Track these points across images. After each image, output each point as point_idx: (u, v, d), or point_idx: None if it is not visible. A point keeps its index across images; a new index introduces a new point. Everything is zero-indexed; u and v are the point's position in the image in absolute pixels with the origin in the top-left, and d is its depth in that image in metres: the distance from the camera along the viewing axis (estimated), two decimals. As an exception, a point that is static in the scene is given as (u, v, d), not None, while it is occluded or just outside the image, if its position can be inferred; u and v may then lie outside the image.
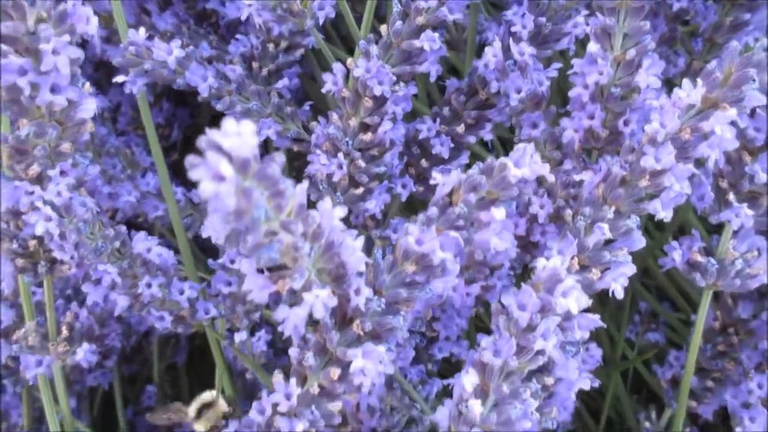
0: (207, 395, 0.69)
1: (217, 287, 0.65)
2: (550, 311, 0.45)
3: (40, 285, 0.72)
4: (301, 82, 0.78)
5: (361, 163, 0.63)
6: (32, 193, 0.51)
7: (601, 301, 0.96)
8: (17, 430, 0.83)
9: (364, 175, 0.63)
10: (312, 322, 0.52)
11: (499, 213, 0.47)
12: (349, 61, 0.61)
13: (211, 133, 0.34)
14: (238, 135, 0.34)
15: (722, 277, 0.58)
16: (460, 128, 0.65)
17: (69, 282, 0.73)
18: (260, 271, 0.44)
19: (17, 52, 0.43)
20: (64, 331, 0.62)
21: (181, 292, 0.63)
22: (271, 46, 0.72)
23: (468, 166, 0.68)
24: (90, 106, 0.47)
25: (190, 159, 0.35)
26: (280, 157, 0.37)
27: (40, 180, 0.50)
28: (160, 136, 0.91)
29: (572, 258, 0.51)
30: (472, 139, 0.65)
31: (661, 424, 0.83)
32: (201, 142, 0.34)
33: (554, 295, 0.45)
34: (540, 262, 0.46)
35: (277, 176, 0.37)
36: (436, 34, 0.58)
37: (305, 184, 0.41)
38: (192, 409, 0.70)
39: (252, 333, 0.70)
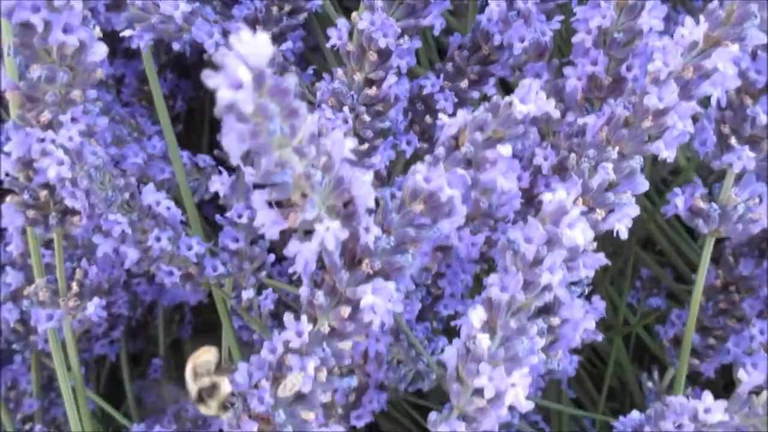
0: (203, 355, 0.64)
1: (225, 243, 0.65)
2: (557, 244, 0.46)
3: (48, 247, 0.73)
4: (303, 47, 0.79)
5: (366, 118, 0.63)
6: (43, 139, 0.51)
7: (604, 267, 0.97)
8: (26, 397, 0.84)
9: (369, 131, 0.64)
10: (321, 267, 0.52)
11: (505, 150, 0.48)
12: (354, 14, 0.62)
13: (231, 39, 0.35)
14: (254, 43, 0.34)
15: (724, 222, 0.59)
16: (464, 83, 0.66)
17: (77, 250, 0.74)
18: (271, 205, 0.44)
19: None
20: (75, 287, 0.62)
21: (189, 248, 0.63)
22: (275, 10, 0.73)
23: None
24: (101, 50, 0.48)
25: (207, 72, 0.35)
26: (292, 78, 0.38)
27: (52, 127, 0.51)
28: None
29: (577, 199, 0.51)
30: (475, 95, 0.66)
31: (663, 385, 0.84)
32: (217, 54, 0.35)
33: (560, 227, 0.46)
34: (546, 197, 0.47)
35: (292, 92, 0.38)
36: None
37: (317, 114, 0.41)
38: (193, 391, 0.66)
39: (259, 293, 0.71)
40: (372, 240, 0.48)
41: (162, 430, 0.81)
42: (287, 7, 0.74)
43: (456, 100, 0.66)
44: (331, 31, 0.63)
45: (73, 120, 0.50)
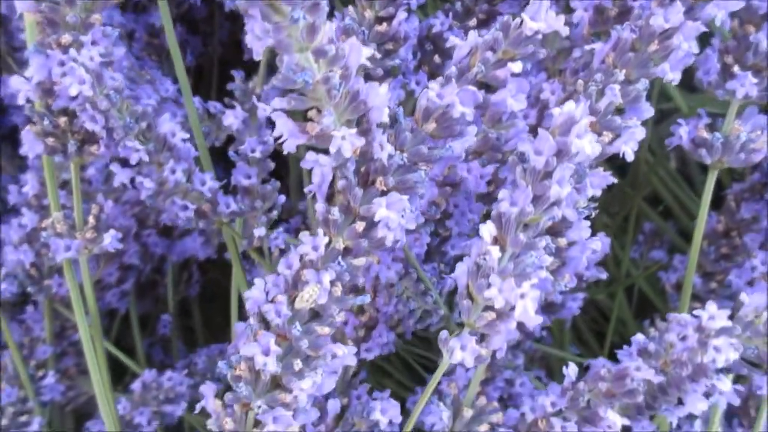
0: None
1: (237, 179, 0.67)
2: (566, 155, 0.48)
3: (63, 188, 0.74)
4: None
5: (377, 55, 0.65)
6: (63, 62, 0.53)
7: (608, 219, 0.98)
8: (39, 344, 0.85)
9: (379, 69, 0.65)
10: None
11: (516, 66, 0.49)
12: (365, -50, 0.63)
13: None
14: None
15: (727, 152, 0.60)
16: (472, 23, 0.67)
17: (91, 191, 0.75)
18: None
19: None
20: (91, 221, 0.63)
21: (203, 183, 0.65)
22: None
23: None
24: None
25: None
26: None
27: (75, 48, 0.52)
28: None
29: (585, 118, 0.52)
30: (483, 33, 0.67)
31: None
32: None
33: (569, 137, 0.47)
34: (555, 110, 0.48)
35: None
36: None
37: (335, 23, 0.42)
38: None
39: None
40: (386, 157, 0.49)
41: (174, 374, 0.83)
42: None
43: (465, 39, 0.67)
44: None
45: (93, 43, 0.52)
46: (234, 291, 0.78)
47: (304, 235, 0.51)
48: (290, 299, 0.51)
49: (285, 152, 0.48)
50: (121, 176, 0.59)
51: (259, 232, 0.70)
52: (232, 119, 0.63)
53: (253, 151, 0.64)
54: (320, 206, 0.51)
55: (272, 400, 0.51)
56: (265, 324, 0.52)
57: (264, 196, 0.69)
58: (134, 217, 0.85)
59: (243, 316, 0.94)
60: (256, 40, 0.39)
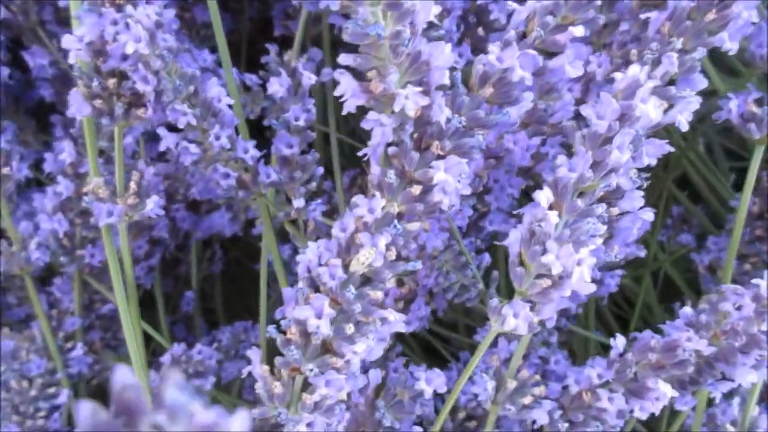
0: None
1: (279, 148, 0.66)
2: (629, 120, 0.47)
3: (100, 155, 0.74)
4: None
5: (431, 32, 0.64)
6: (116, 22, 0.52)
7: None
8: (68, 316, 0.85)
9: (423, 39, 0.65)
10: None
11: (578, 30, 0.49)
12: None
13: None
14: None
15: (777, 126, 0.60)
16: (514, -7, 0.66)
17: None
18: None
19: None
20: (133, 186, 0.63)
21: (246, 151, 0.64)
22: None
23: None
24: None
25: None
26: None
27: (131, 5, 0.51)
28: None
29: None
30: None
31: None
32: None
33: (634, 101, 0.47)
34: (617, 75, 0.48)
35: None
36: None
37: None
38: None
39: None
40: (444, 120, 0.49)
41: (204, 347, 0.82)
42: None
43: (509, 11, 0.67)
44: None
45: (148, 1, 0.51)
46: (263, 261, 0.78)
47: (359, 198, 0.50)
48: (344, 263, 0.50)
49: (343, 112, 0.48)
50: (168, 140, 0.59)
51: (298, 203, 0.69)
52: (277, 86, 0.63)
53: (297, 119, 0.64)
54: (375, 169, 0.50)
55: (323, 364, 0.51)
56: (316, 288, 0.52)
57: (303, 166, 0.68)
58: (163, 191, 0.85)
59: (273, 290, 0.94)
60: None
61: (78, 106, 0.56)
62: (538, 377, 0.61)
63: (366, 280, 0.52)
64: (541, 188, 0.52)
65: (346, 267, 0.50)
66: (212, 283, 1.10)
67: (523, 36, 0.51)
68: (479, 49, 0.69)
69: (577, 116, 0.67)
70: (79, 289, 0.83)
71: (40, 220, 0.76)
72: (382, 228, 0.50)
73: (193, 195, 0.88)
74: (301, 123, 0.65)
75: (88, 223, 0.77)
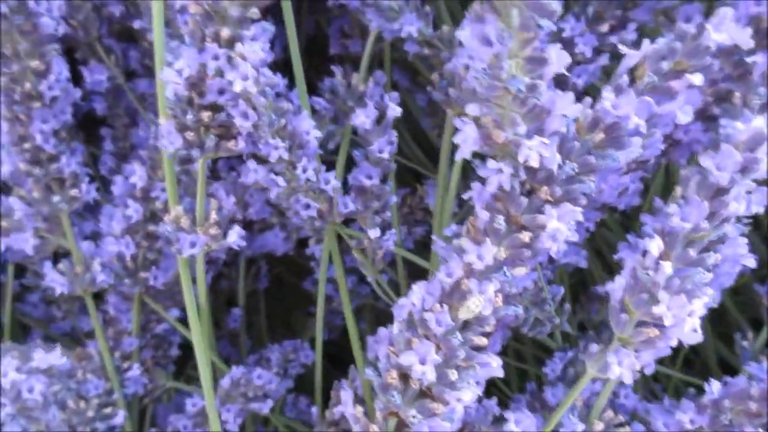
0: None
1: (359, 179, 0.66)
2: (750, 171, 0.46)
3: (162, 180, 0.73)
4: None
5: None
6: (218, 57, 0.51)
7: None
8: (125, 336, 0.84)
9: (508, 71, 0.64)
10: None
11: (696, 78, 0.48)
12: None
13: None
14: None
15: None
16: (604, 28, 0.66)
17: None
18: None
19: None
20: (213, 216, 0.62)
21: (327, 182, 0.64)
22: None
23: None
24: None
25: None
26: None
27: (232, 43, 0.50)
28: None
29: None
30: (614, 39, 0.66)
31: (759, 344, 0.84)
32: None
33: (757, 153, 0.46)
34: (737, 125, 0.47)
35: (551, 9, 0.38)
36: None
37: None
38: None
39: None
40: (556, 166, 0.48)
41: (264, 372, 0.82)
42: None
43: (596, 44, 0.66)
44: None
45: (253, 38, 0.50)
46: (321, 284, 0.77)
47: (467, 243, 0.50)
48: (451, 309, 0.50)
49: (457, 158, 0.47)
50: (258, 174, 0.58)
51: (374, 233, 0.68)
52: (363, 118, 0.62)
53: (381, 152, 0.63)
54: (483, 214, 0.50)
55: (425, 410, 0.50)
56: (418, 331, 0.51)
57: (379, 196, 0.68)
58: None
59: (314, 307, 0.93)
60: (478, 42, 0.38)
61: (170, 138, 0.56)
62: (622, 418, 0.60)
63: (467, 324, 0.51)
64: (614, 220, 0.52)
65: (451, 311, 0.50)
66: (255, 299, 1.09)
67: (633, 79, 0.50)
68: (563, 81, 0.69)
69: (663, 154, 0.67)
70: (138, 309, 0.82)
71: (106, 242, 0.75)
72: (491, 274, 0.49)
73: (249, 216, 0.87)
74: (385, 155, 0.64)
75: (153, 246, 0.76)
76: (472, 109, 0.44)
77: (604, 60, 0.67)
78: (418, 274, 0.85)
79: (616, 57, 0.75)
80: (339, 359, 0.98)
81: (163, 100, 0.59)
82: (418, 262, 0.80)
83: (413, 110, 0.97)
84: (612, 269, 0.93)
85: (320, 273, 0.79)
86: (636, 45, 0.50)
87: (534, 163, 0.44)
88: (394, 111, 0.62)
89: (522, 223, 0.49)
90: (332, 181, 0.64)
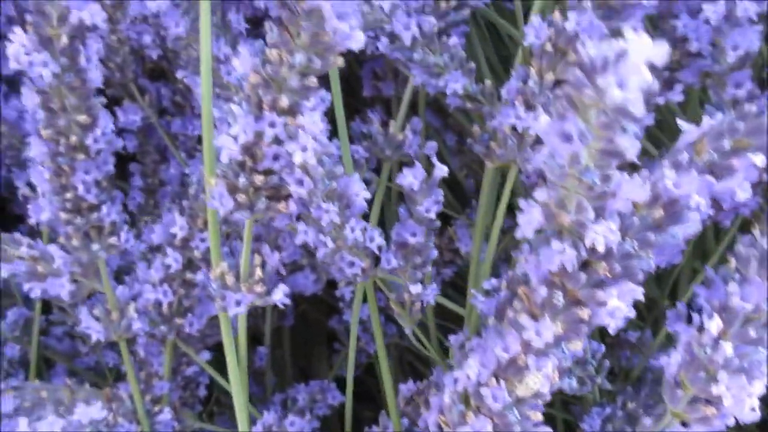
0: None
1: (403, 237, 0.65)
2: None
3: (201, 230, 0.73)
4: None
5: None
6: (274, 125, 0.51)
7: None
8: (156, 379, 0.84)
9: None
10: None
11: (758, 159, 0.48)
12: (556, 14, 0.62)
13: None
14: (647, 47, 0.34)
15: None
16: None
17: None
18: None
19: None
20: (258, 273, 0.62)
21: (372, 240, 0.63)
22: (443, 4, 0.73)
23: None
24: (359, 37, 0.47)
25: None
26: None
27: (292, 113, 0.50)
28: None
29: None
30: (660, 100, 0.66)
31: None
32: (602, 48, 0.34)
33: (824, 239, 0.46)
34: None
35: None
36: (650, -8, 0.59)
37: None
38: None
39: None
40: (617, 243, 0.48)
41: (296, 418, 0.81)
42: (453, 2, 0.74)
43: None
44: (528, 29, 0.63)
45: (312, 109, 0.50)
46: (354, 328, 0.77)
47: (525, 319, 0.49)
48: (507, 384, 0.49)
49: (518, 236, 0.47)
50: (308, 236, 0.58)
51: (416, 288, 0.68)
52: (411, 179, 0.62)
53: (428, 211, 0.63)
54: (542, 290, 0.49)
55: (479, 484, 0.50)
56: (472, 403, 0.51)
57: (421, 252, 0.67)
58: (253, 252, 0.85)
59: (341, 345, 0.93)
60: (559, 140, 0.38)
61: (221, 200, 0.55)
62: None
63: (522, 398, 0.51)
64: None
65: (511, 385, 0.49)
66: (278, 335, 1.09)
67: (692, 154, 0.50)
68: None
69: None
70: (170, 353, 0.82)
71: (144, 289, 0.75)
72: (549, 351, 0.49)
73: (282, 259, 0.87)
74: (432, 215, 0.64)
75: (190, 293, 0.76)
76: (540, 194, 0.43)
77: (649, 119, 0.67)
78: (446, 313, 0.85)
79: (660, 112, 0.75)
80: (360, 395, 0.98)
81: (212, 161, 0.59)
82: (453, 309, 0.80)
83: (441, 150, 0.97)
84: (643, 317, 0.93)
85: (352, 318, 0.79)
86: (688, 113, 0.49)
87: (600, 247, 0.44)
88: (441, 171, 0.62)
89: (580, 299, 0.49)
90: (377, 239, 0.64)
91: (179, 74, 0.71)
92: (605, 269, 0.49)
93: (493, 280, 0.66)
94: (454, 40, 0.71)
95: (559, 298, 0.49)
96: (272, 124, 0.51)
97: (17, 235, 0.77)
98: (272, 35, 0.48)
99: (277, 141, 0.52)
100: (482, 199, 0.75)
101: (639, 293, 0.48)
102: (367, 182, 0.82)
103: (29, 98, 0.59)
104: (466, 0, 0.74)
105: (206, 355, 0.84)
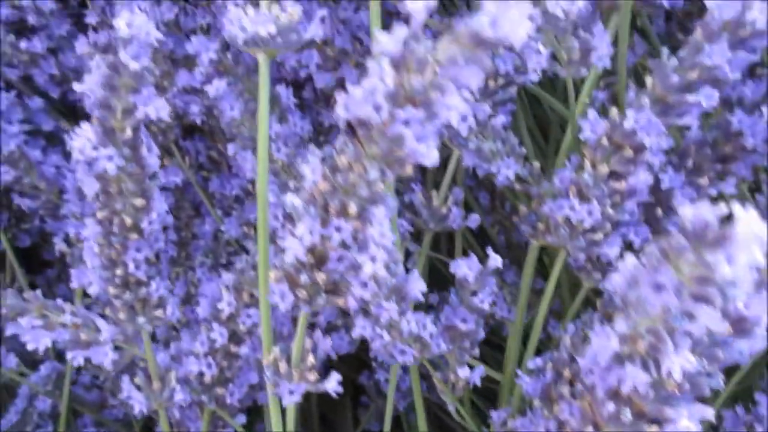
0: None
1: (454, 322, 0.66)
2: None
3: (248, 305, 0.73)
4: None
5: (610, 211, 0.64)
6: (340, 229, 0.51)
7: None
8: (190, 441, 0.84)
9: (607, 222, 0.64)
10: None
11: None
12: (613, 110, 0.62)
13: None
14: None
15: None
16: (703, 180, 0.66)
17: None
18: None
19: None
20: (311, 360, 0.62)
21: (425, 327, 0.64)
22: (491, 83, 0.73)
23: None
24: (435, 155, 0.47)
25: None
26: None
27: (361, 219, 0.50)
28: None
29: None
30: (713, 192, 0.66)
31: None
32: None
33: None
34: None
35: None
36: (716, 91, 0.59)
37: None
38: None
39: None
40: (687, 364, 0.48)
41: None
42: (501, 81, 0.74)
43: (695, 196, 0.66)
44: (584, 123, 0.63)
45: (381, 219, 0.50)
46: (390, 398, 0.77)
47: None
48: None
49: (586, 364, 0.47)
50: (366, 331, 0.58)
51: (464, 372, 0.68)
52: (466, 270, 0.62)
53: (482, 302, 0.63)
54: (609, 405, 0.49)
55: None
56: None
57: (470, 336, 0.68)
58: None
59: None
60: (654, 291, 0.38)
61: (283, 297, 0.56)
62: None
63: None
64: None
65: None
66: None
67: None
68: (656, 227, 0.69)
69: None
70: (208, 420, 0.82)
71: (188, 361, 0.75)
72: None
73: (319, 322, 0.87)
74: (485, 306, 0.64)
75: (233, 364, 0.76)
76: (620, 326, 0.44)
77: (700, 210, 0.67)
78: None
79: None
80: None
81: (266, 256, 0.60)
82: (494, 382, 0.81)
83: (474, 207, 0.97)
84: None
85: (390, 386, 0.79)
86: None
87: (677, 376, 0.44)
88: (496, 261, 0.62)
89: (646, 414, 0.49)
90: (429, 327, 0.64)
91: (230, 150, 0.71)
92: (674, 386, 0.49)
93: (538, 360, 0.66)
94: (501, 120, 0.72)
95: (627, 415, 0.49)
96: (339, 229, 0.51)
97: (60, 302, 0.77)
98: (343, 146, 0.49)
99: (344, 245, 0.52)
100: (524, 279, 0.75)
101: (710, 413, 0.48)
102: (408, 253, 0.82)
103: (89, 185, 0.59)
104: (514, 78, 0.74)
105: (242, 419, 0.84)
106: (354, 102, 0.43)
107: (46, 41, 0.91)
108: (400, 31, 0.41)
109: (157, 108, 0.55)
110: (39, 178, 0.91)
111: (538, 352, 0.76)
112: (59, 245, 0.92)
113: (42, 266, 1.09)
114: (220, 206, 0.95)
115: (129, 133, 0.57)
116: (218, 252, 0.96)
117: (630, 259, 0.41)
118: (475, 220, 0.78)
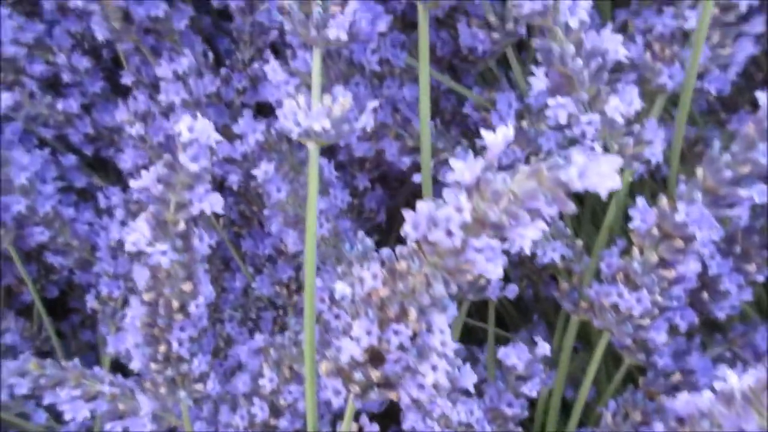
0: None
1: (500, 407, 0.65)
2: None
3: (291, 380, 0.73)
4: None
5: (658, 298, 0.64)
6: (398, 333, 0.51)
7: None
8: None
9: (655, 309, 0.64)
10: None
11: None
12: (665, 201, 0.62)
13: None
14: None
15: None
16: (751, 267, 0.66)
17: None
18: None
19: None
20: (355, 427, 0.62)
21: (472, 413, 0.63)
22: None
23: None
24: (500, 271, 0.47)
25: None
26: None
27: (419, 323, 0.50)
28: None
29: None
30: (760, 278, 0.66)
31: None
32: None
33: None
34: None
35: None
36: (766, 186, 0.59)
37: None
38: None
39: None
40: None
41: None
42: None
43: (742, 283, 0.66)
44: (634, 213, 0.63)
45: (443, 327, 0.50)
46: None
47: None
48: None
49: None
50: (416, 424, 0.58)
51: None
52: (515, 360, 0.62)
53: (530, 390, 0.63)
54: None
55: None
56: None
57: (514, 419, 0.67)
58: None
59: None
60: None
61: (336, 392, 0.56)
62: None
63: None
64: None
65: None
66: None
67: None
68: (702, 312, 0.69)
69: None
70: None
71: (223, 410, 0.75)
72: None
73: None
74: (533, 394, 0.64)
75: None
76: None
77: (747, 295, 0.67)
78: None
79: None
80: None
81: (312, 341, 0.60)
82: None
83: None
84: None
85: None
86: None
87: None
88: (544, 349, 0.62)
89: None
90: (476, 413, 0.64)
91: (273, 228, 0.71)
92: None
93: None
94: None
95: None
96: (397, 333, 0.51)
97: (98, 370, 0.77)
98: (406, 256, 0.49)
99: (402, 347, 0.52)
100: (564, 353, 0.75)
101: None
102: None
103: (141, 275, 0.59)
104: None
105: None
106: (425, 226, 0.43)
107: (80, 98, 0.91)
108: (476, 162, 0.41)
109: (212, 203, 0.55)
110: (72, 236, 0.91)
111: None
112: (91, 302, 0.92)
113: (67, 312, 1.09)
114: (251, 263, 0.95)
115: (182, 226, 0.57)
116: (248, 307, 0.96)
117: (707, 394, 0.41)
118: (512, 290, 0.78)
